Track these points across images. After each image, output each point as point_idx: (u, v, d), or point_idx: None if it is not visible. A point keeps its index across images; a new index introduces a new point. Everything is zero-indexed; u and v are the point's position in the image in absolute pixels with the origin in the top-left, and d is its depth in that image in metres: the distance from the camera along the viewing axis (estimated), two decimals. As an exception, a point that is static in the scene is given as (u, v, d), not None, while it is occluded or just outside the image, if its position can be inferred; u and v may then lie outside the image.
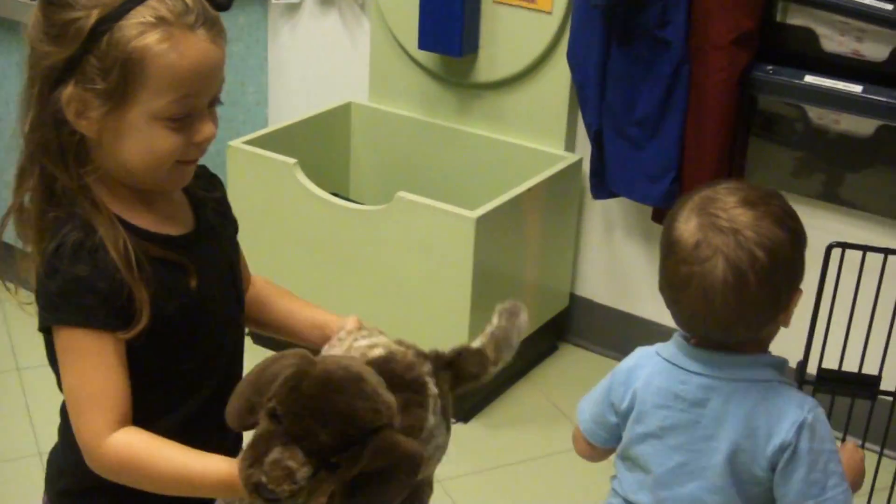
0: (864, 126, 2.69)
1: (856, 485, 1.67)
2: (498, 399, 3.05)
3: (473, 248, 2.70)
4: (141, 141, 1.36)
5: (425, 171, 3.34)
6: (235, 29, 3.50)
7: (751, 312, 1.53)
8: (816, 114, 2.74)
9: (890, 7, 2.51)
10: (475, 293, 2.76)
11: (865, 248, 2.13)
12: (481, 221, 2.70)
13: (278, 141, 3.15)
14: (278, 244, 3.02)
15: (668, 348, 1.64)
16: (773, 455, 1.55)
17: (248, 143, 3.07)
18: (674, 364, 1.61)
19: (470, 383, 1.58)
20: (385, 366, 1.44)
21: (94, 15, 1.32)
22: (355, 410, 1.28)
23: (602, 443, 1.73)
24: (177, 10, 1.34)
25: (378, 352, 1.49)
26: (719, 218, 1.52)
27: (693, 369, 1.59)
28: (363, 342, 1.52)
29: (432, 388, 1.47)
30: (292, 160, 2.95)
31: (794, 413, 1.55)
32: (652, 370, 1.64)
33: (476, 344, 1.61)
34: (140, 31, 1.32)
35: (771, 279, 1.50)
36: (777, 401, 1.56)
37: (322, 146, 3.37)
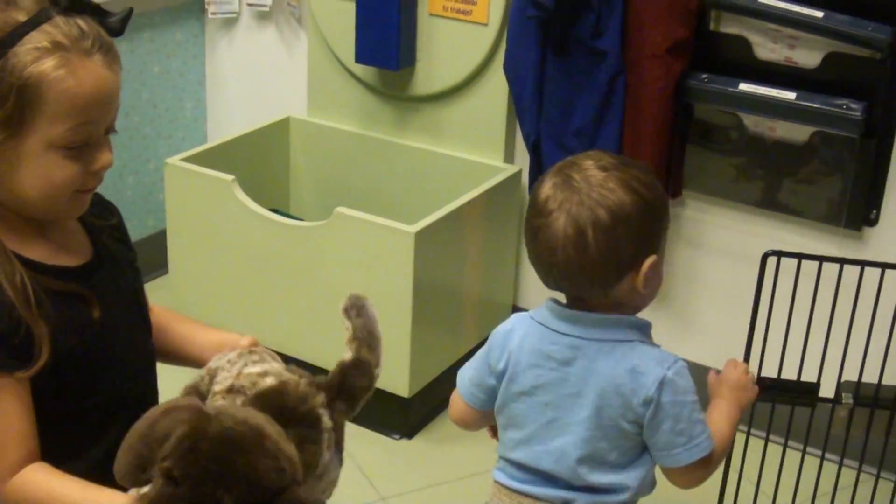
0: (799, 133, 2.71)
1: (740, 399, 1.82)
2: (442, 413, 3.03)
3: (413, 262, 2.69)
4: (38, 170, 1.33)
5: (365, 185, 3.33)
6: (172, 44, 3.48)
7: (592, 268, 1.61)
8: (752, 121, 2.75)
9: (820, 14, 2.53)
10: (416, 308, 2.74)
11: (800, 256, 2.15)
12: (421, 235, 2.69)
13: (216, 157, 3.12)
14: (217, 262, 2.99)
15: (540, 312, 1.72)
16: (639, 410, 1.64)
17: (186, 159, 3.04)
18: (545, 326, 1.69)
19: (365, 396, 1.56)
20: (278, 399, 1.39)
21: None
22: (259, 472, 1.23)
23: (480, 405, 1.80)
24: (72, 35, 1.31)
25: (269, 381, 1.44)
26: (572, 178, 1.62)
27: (562, 330, 1.67)
28: (254, 369, 1.46)
29: (327, 422, 1.43)
30: (230, 177, 2.93)
31: (655, 370, 1.64)
32: (525, 332, 1.71)
33: (350, 356, 1.57)
34: (35, 57, 1.29)
35: (610, 238, 1.59)
36: (639, 359, 1.65)
37: (261, 161, 3.35)
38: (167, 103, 3.57)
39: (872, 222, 2.72)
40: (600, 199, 1.59)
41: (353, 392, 1.54)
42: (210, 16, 3.50)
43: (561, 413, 1.69)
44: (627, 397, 1.64)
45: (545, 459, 1.70)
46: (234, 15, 3.49)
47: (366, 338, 1.61)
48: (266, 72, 3.54)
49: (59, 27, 1.31)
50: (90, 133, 1.34)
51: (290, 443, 1.30)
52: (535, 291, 3.24)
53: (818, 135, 2.68)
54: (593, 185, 1.60)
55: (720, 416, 1.78)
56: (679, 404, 1.64)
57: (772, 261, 2.12)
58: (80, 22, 1.33)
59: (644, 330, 1.70)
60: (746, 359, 2.15)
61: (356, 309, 1.64)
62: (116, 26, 1.38)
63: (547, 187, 1.65)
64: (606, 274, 1.63)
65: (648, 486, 1.74)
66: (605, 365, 1.65)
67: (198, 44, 3.58)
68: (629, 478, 1.70)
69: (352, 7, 3.08)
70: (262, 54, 3.52)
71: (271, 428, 1.29)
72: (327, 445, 1.43)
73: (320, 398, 1.46)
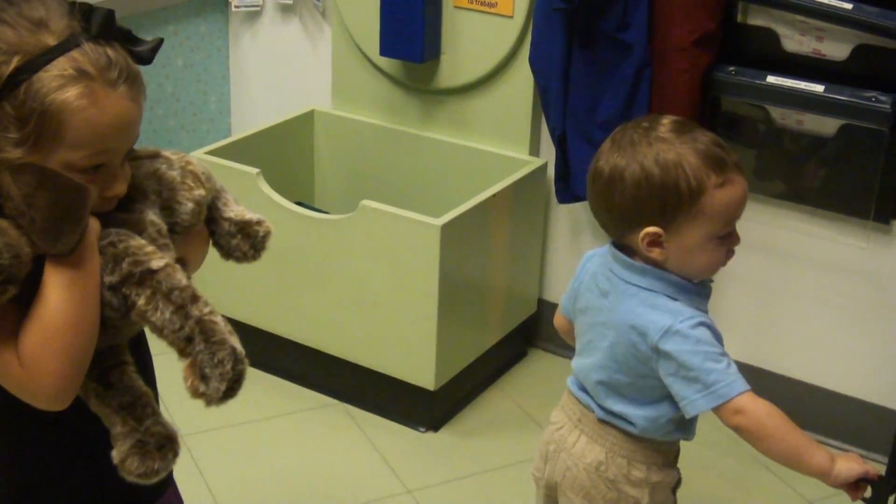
0: (827, 125, 2.69)
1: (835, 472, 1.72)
2: (468, 407, 3.03)
3: (439, 255, 2.69)
4: None
5: (390, 178, 3.32)
6: (196, 37, 3.48)
7: (608, 212, 1.76)
8: (780, 114, 2.73)
9: (849, 6, 2.51)
10: (442, 301, 2.74)
11: None
12: (446, 228, 2.69)
13: (241, 150, 3.12)
14: (243, 255, 2.98)
15: (611, 246, 1.83)
16: (649, 356, 1.74)
17: (210, 153, 3.04)
18: (606, 259, 1.83)
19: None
20: None
21: (13, 63, 1.27)
22: None
23: (568, 315, 1.95)
24: (100, 65, 1.30)
25: None
26: (632, 135, 1.74)
27: (609, 265, 1.81)
28: None
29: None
30: (255, 170, 2.93)
31: (664, 320, 1.71)
32: (596, 259, 1.87)
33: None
34: (60, 85, 1.28)
35: (625, 194, 1.71)
36: (653, 308, 1.74)
37: (286, 155, 3.35)
38: (191, 96, 3.57)
39: (903, 215, 2.71)
40: (616, 157, 1.73)
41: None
42: (234, 9, 3.50)
43: (594, 336, 1.83)
44: (636, 341, 1.74)
45: (581, 372, 1.87)
46: (257, 8, 3.49)
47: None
48: (290, 65, 3.54)
49: (87, 55, 1.30)
50: (108, 159, 1.34)
51: None
52: (562, 283, 3.24)
53: (846, 127, 2.66)
54: (626, 144, 1.73)
55: (802, 442, 1.72)
56: (688, 353, 1.70)
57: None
58: (109, 51, 1.32)
59: (676, 287, 1.75)
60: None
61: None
62: (145, 55, 1.37)
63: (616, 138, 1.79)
64: (619, 224, 1.76)
65: (663, 430, 1.81)
66: (626, 306, 1.76)
67: (221, 37, 3.58)
68: (637, 415, 1.80)
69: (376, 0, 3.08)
70: (286, 47, 3.52)
71: None
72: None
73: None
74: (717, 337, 1.74)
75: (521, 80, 3.02)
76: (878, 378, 2.82)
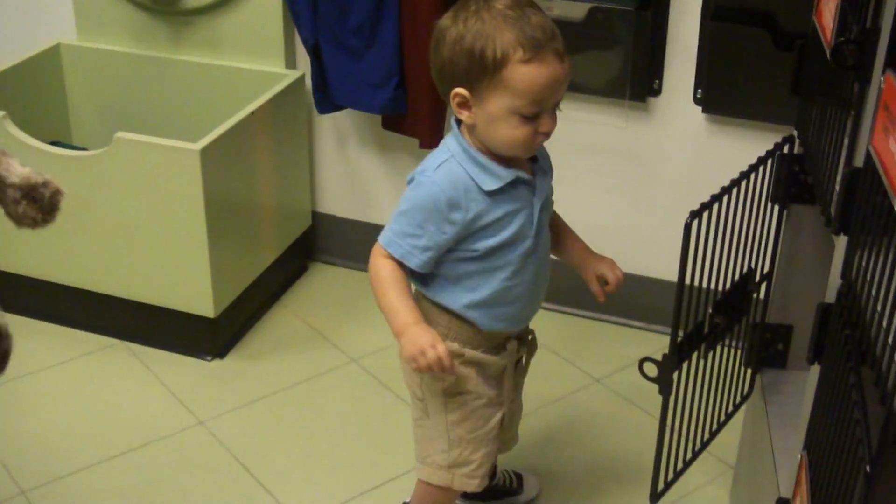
0: (576, 10, 2.71)
1: (406, 354, 1.84)
2: (253, 329, 3.00)
3: (202, 180, 2.62)
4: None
5: (148, 107, 3.22)
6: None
7: (434, 70, 1.84)
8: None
9: None
10: (211, 227, 2.68)
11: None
12: (206, 152, 2.62)
13: (-17, 94, 2.98)
14: (-1, 202, 2.86)
15: None
16: None
17: (-49, 100, 2.90)
18: None
19: None
20: None
21: None
22: None
23: None
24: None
25: None
26: (472, 3, 1.80)
27: None
28: None
29: None
30: (1, 112, 2.80)
31: (425, 166, 1.85)
32: None
33: None
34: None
35: (442, 53, 1.80)
36: (431, 157, 1.87)
37: (34, 93, 3.21)
38: (-73, 41, 3.39)
39: (656, 92, 2.76)
40: (448, 19, 1.80)
41: None
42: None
43: None
44: None
45: None
46: (-14, -59, 3.32)
47: None
48: (29, -2, 3.39)
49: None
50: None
51: None
52: (334, 194, 3.21)
53: (595, 10, 2.69)
54: (460, 8, 1.80)
55: (399, 303, 1.86)
56: (407, 198, 1.84)
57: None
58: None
59: (465, 154, 1.83)
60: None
61: None
62: None
63: None
64: (435, 80, 1.85)
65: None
66: None
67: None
68: None
69: (109, -78, 2.96)
70: (22, -20, 3.37)
71: None
72: None
73: None
74: (434, 213, 1.82)
75: (269, -8, 2.96)
76: (652, 253, 2.89)
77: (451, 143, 1.86)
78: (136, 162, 2.67)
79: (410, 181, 1.86)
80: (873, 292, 1.24)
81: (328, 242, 3.28)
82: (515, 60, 1.73)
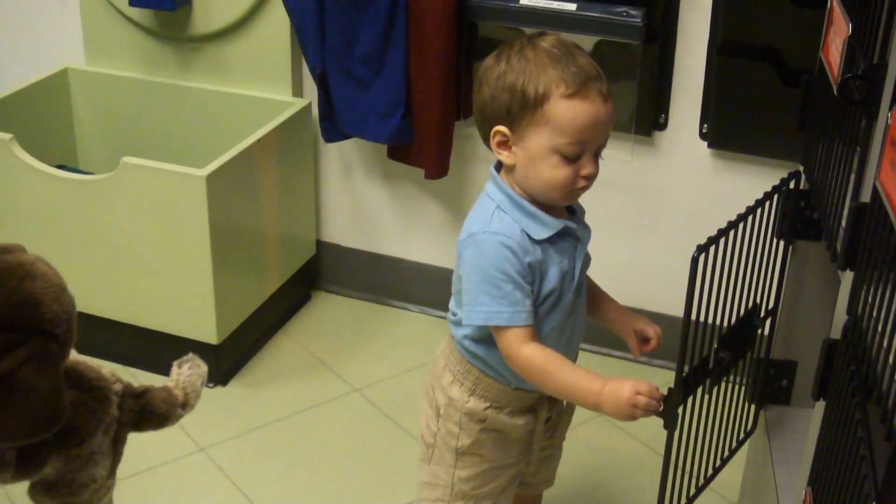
0: (583, 43, 2.70)
1: (619, 417, 1.72)
2: (255, 356, 2.99)
3: (207, 206, 2.62)
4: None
5: (154, 133, 3.23)
6: (-67, 2, 3.31)
7: (476, 110, 1.79)
8: (536, 35, 2.74)
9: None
10: (215, 253, 2.68)
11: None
12: (212, 178, 2.62)
13: (-7, 117, 2.99)
14: (5, 226, 2.87)
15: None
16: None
17: (-41, 122, 2.90)
18: None
19: (156, 422, 1.77)
20: (75, 367, 1.46)
21: None
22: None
23: None
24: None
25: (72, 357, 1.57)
26: (518, 42, 1.76)
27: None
28: None
29: (113, 409, 1.53)
30: (7, 135, 2.80)
31: (473, 224, 1.76)
32: None
33: (165, 384, 1.76)
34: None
35: (484, 91, 1.75)
36: (475, 212, 1.78)
37: (42, 117, 3.22)
38: (-64, 64, 3.40)
39: (662, 126, 2.76)
40: (492, 58, 1.76)
41: (148, 406, 1.70)
42: (-28, -32, 3.34)
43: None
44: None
45: None
46: (-3, -34, 3.34)
47: (187, 383, 1.84)
48: (37, 22, 3.39)
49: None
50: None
51: (67, 392, 1.38)
52: (339, 223, 3.22)
53: (602, 44, 2.69)
54: (506, 47, 1.75)
55: (575, 377, 1.74)
56: (475, 267, 1.73)
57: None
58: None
59: (511, 202, 1.75)
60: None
61: (191, 363, 1.89)
62: None
63: None
64: (478, 123, 1.79)
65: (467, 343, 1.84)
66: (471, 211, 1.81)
67: (-38, -1, 3.42)
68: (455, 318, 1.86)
69: (120, -52, 2.97)
70: (32, 5, 3.37)
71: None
72: (104, 430, 1.50)
73: (118, 386, 1.62)
74: (517, 264, 1.72)
75: (278, 20, 2.96)
76: (655, 287, 2.89)
77: (493, 193, 1.78)
78: (141, 187, 2.67)
79: (462, 248, 1.77)
80: (879, 328, 1.23)
81: (332, 271, 3.28)
82: (558, 95, 1.68)
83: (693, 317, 1.73)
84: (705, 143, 2.72)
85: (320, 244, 3.24)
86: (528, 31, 2.73)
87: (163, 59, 3.17)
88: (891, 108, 1.28)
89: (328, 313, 3.20)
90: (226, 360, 2.88)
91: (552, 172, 1.71)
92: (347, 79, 2.81)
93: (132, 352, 2.91)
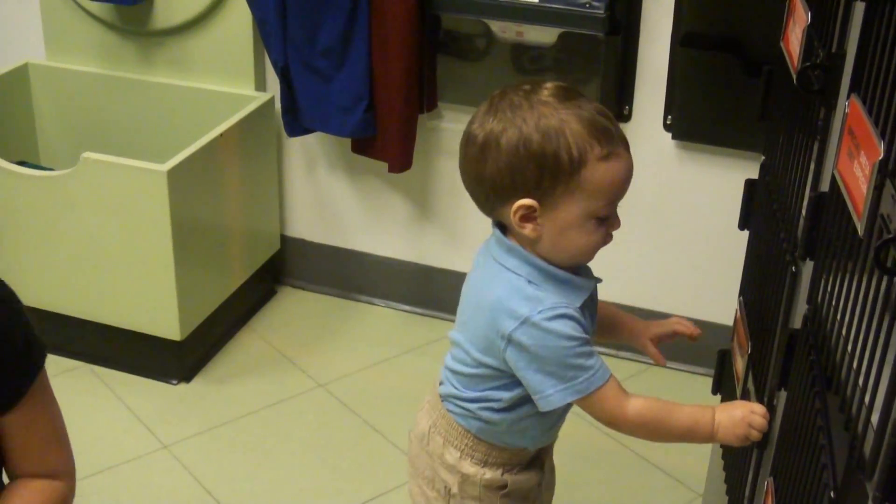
0: (547, 35, 2.71)
1: (735, 439, 1.65)
2: (220, 353, 2.97)
3: (169, 201, 2.60)
4: None
5: (116, 128, 3.20)
6: None
7: (479, 182, 1.60)
8: (499, 27, 2.74)
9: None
10: (177, 248, 2.66)
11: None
12: (173, 173, 2.60)
13: (-49, 114, 2.96)
14: (-36, 223, 2.85)
15: (494, 224, 1.70)
16: (498, 343, 1.61)
17: (-84, 119, 2.87)
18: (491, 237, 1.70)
19: None
20: None
21: None
22: None
23: None
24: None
25: None
26: (512, 97, 1.58)
27: (489, 242, 1.67)
28: None
29: None
30: (-36, 133, 2.78)
31: (524, 309, 1.58)
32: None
33: None
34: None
35: (499, 162, 1.56)
36: (511, 292, 1.60)
37: (1, 112, 3.19)
38: None
39: (626, 118, 2.76)
40: (492, 122, 1.57)
41: None
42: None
43: (463, 308, 1.71)
44: (491, 323, 1.61)
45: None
46: (-45, -40, 3.30)
47: None
48: (-2, 18, 3.37)
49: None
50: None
51: None
52: (303, 217, 3.20)
53: (566, 36, 2.69)
54: (504, 107, 1.57)
55: (689, 416, 1.65)
56: (547, 350, 1.58)
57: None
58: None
59: (543, 274, 1.61)
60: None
61: None
62: None
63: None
64: (475, 193, 1.62)
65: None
66: (490, 285, 1.63)
67: (-80, -6, 3.37)
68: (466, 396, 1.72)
69: (78, -58, 2.94)
70: (-8, -1, 3.35)
71: None
72: None
73: None
74: (581, 327, 1.60)
75: (239, 14, 2.94)
76: (619, 278, 2.88)
77: (517, 268, 1.62)
78: (102, 183, 2.65)
79: (519, 336, 1.59)
80: (839, 317, 1.23)
81: (297, 266, 3.26)
82: (594, 158, 1.53)
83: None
84: (669, 135, 2.72)
85: (284, 239, 3.23)
86: (490, 23, 2.73)
87: (124, 53, 3.14)
88: (848, 97, 1.28)
89: (293, 308, 3.19)
90: (189, 357, 2.86)
91: (587, 238, 1.60)
92: (310, 72, 2.79)
93: (95, 349, 2.89)
